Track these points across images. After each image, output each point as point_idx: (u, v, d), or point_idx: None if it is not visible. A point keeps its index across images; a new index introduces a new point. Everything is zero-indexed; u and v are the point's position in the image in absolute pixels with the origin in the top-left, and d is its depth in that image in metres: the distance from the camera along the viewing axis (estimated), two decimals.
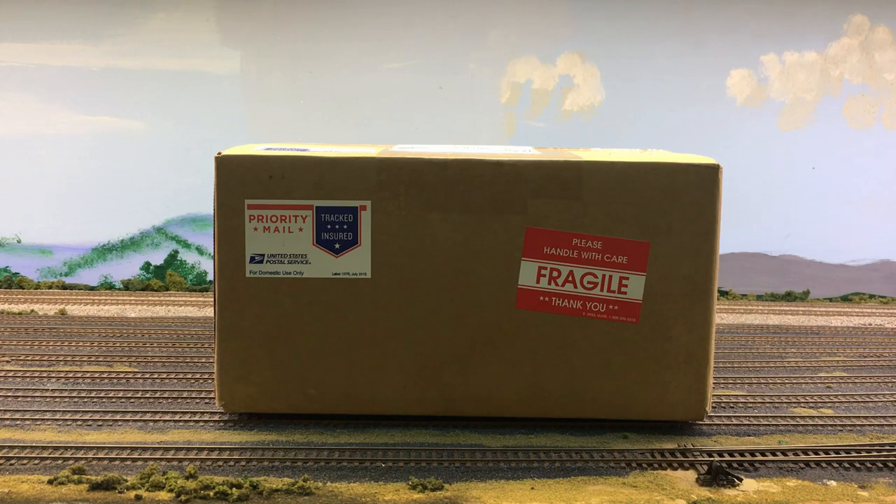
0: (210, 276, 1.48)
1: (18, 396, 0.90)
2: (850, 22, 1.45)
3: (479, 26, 1.44)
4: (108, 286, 1.46)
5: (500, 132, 1.46)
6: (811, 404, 0.92)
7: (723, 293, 1.48)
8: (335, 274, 0.82)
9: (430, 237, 0.81)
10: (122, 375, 0.97)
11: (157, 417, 0.84)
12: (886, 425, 0.86)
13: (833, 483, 0.73)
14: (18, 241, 1.46)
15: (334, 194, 0.81)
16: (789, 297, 1.48)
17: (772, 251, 1.50)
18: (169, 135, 1.44)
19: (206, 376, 0.97)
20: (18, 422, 0.83)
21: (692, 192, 0.81)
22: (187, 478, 0.70)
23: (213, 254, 0.87)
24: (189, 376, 0.97)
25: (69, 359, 1.03)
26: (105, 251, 1.46)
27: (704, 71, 1.46)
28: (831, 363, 1.08)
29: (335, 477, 0.72)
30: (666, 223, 0.81)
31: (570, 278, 0.82)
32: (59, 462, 0.74)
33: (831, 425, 0.86)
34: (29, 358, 1.03)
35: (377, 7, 1.43)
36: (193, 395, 0.91)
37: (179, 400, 0.90)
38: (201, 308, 1.32)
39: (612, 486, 0.71)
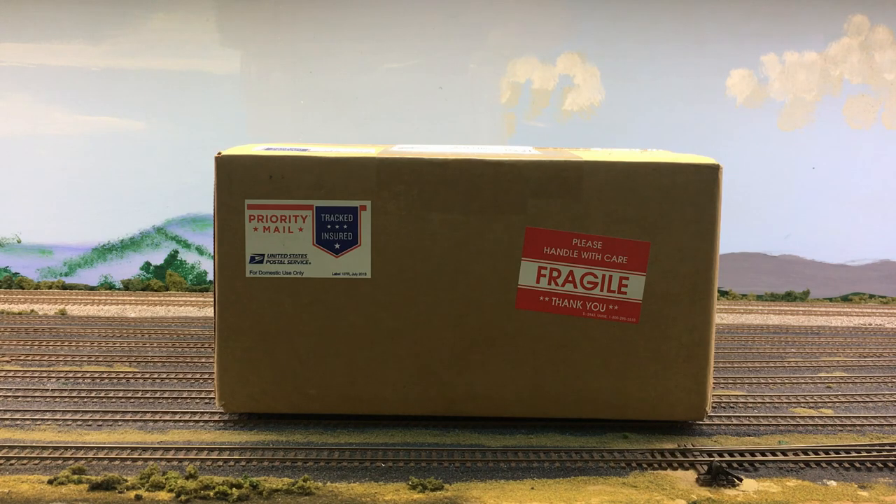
0: (210, 276, 1.47)
1: (18, 396, 0.90)
2: (850, 22, 1.45)
3: (479, 26, 1.44)
4: (108, 286, 1.46)
5: (500, 132, 1.46)
6: (811, 404, 0.92)
7: (723, 293, 1.48)
8: (335, 274, 0.82)
9: (430, 237, 0.81)
10: (122, 375, 0.97)
11: (157, 417, 0.84)
12: (886, 425, 0.86)
13: (833, 483, 0.73)
14: (18, 241, 1.46)
15: (334, 194, 0.81)
16: (789, 297, 1.48)
17: (772, 251, 1.49)
18: (169, 135, 1.44)
19: (206, 376, 0.97)
20: (18, 422, 0.83)
21: (692, 192, 0.81)
22: (187, 478, 0.70)
23: (213, 254, 0.87)
24: (189, 376, 0.97)
25: (69, 359, 1.03)
26: (105, 251, 1.46)
27: (704, 71, 1.45)
28: (831, 363, 1.08)
29: (335, 477, 0.72)
30: (666, 223, 0.81)
31: (570, 278, 0.82)
32: (59, 462, 0.74)
33: (831, 425, 0.86)
34: (29, 358, 1.03)
35: (377, 7, 1.43)
36: (193, 395, 0.91)
37: (179, 400, 0.90)
38: (201, 308, 1.32)
39: (612, 486, 0.71)
